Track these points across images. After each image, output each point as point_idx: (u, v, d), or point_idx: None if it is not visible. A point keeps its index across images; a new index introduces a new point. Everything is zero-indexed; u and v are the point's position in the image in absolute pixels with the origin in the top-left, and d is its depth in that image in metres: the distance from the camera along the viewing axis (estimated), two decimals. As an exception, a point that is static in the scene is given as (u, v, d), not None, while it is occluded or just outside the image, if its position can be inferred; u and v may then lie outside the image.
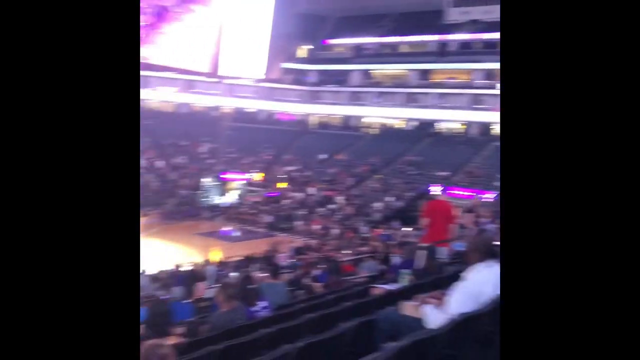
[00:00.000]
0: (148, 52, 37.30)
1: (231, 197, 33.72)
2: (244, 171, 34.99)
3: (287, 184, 33.35)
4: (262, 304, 4.69)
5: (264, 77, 40.97)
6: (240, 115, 41.67)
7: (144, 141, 35.93)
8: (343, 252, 16.41)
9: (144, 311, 6.95)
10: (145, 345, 2.52)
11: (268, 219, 28.98)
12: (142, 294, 9.96)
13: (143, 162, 33.65)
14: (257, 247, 21.02)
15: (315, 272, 10.95)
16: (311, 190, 31.99)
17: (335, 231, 25.07)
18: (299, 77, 42.95)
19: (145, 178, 32.16)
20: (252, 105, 42.31)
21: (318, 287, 6.91)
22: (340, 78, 41.87)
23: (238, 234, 27.92)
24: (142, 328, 4.41)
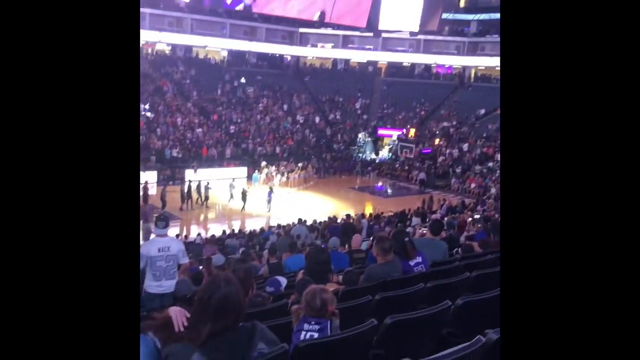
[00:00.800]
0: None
1: (385, 153, 33.87)
2: (398, 127, 34.76)
3: (442, 140, 32.46)
4: (418, 259, 4.65)
5: (419, 29, 39.64)
6: (396, 70, 41.13)
7: (302, 98, 37.45)
8: (502, 212, 15.67)
9: (300, 258, 7.32)
10: (311, 289, 2.65)
11: (421, 175, 28.62)
12: (299, 242, 10.57)
13: (300, 118, 35.06)
14: (411, 203, 21.03)
15: (472, 231, 10.64)
16: (467, 146, 30.77)
17: (494, 190, 23.97)
18: (457, 28, 40.83)
19: (303, 133, 33.61)
20: (408, 59, 41.38)
21: (476, 246, 6.68)
22: (503, 27, 38.89)
23: (391, 189, 28.12)
24: (301, 273, 4.64)
